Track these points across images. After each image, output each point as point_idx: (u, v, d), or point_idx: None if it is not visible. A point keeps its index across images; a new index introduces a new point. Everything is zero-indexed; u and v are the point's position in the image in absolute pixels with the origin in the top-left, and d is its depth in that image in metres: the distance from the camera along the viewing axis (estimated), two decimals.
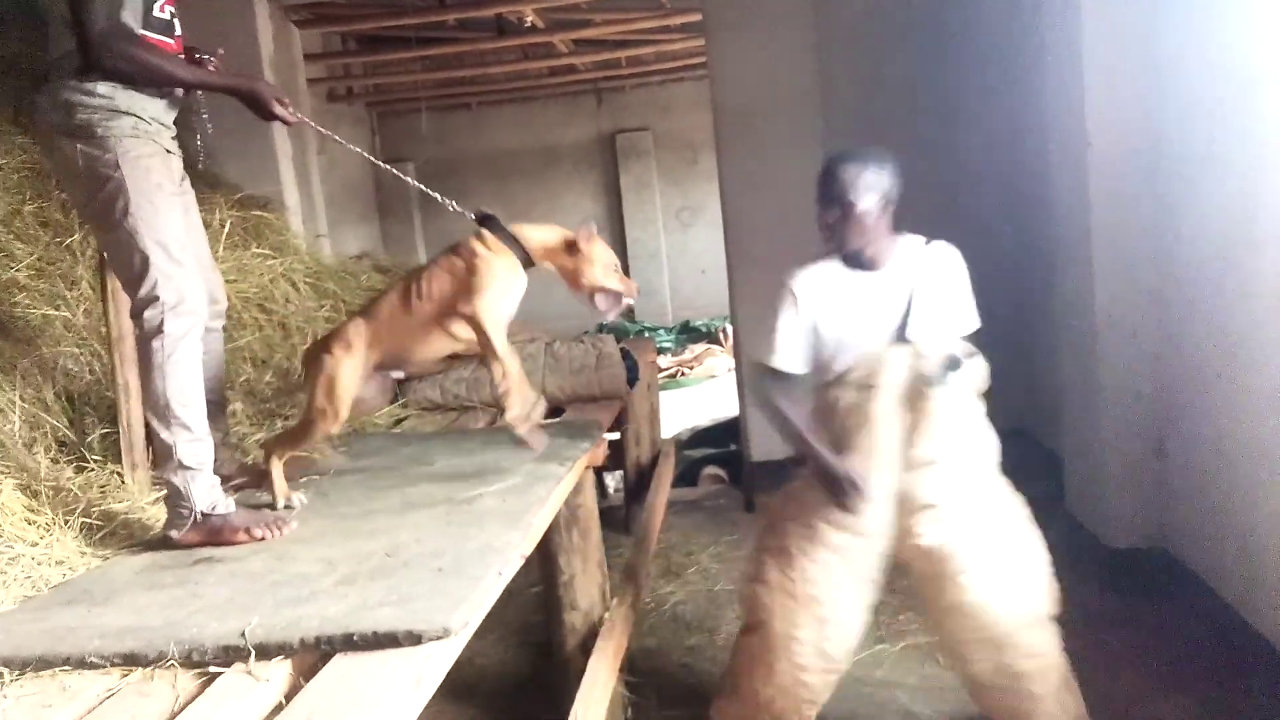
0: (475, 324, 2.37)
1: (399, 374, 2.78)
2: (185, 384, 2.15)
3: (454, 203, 2.56)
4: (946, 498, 2.25)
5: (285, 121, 2.34)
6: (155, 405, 2.15)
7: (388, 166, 2.75)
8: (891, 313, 2.29)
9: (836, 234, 2.31)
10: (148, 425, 2.25)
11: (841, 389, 2.31)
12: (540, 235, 2.48)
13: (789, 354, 2.34)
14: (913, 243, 2.34)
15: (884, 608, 3.41)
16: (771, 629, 2.33)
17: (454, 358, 3.39)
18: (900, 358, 2.25)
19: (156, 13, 2.20)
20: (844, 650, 2.34)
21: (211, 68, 2.34)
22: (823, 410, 2.35)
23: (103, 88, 2.13)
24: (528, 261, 2.46)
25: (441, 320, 2.44)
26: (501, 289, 2.39)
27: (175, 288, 2.15)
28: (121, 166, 2.13)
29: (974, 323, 2.36)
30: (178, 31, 2.29)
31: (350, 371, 2.42)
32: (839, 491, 2.24)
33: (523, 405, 2.41)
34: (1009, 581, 2.25)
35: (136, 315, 2.16)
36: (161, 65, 2.16)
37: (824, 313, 2.32)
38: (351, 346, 2.44)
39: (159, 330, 2.13)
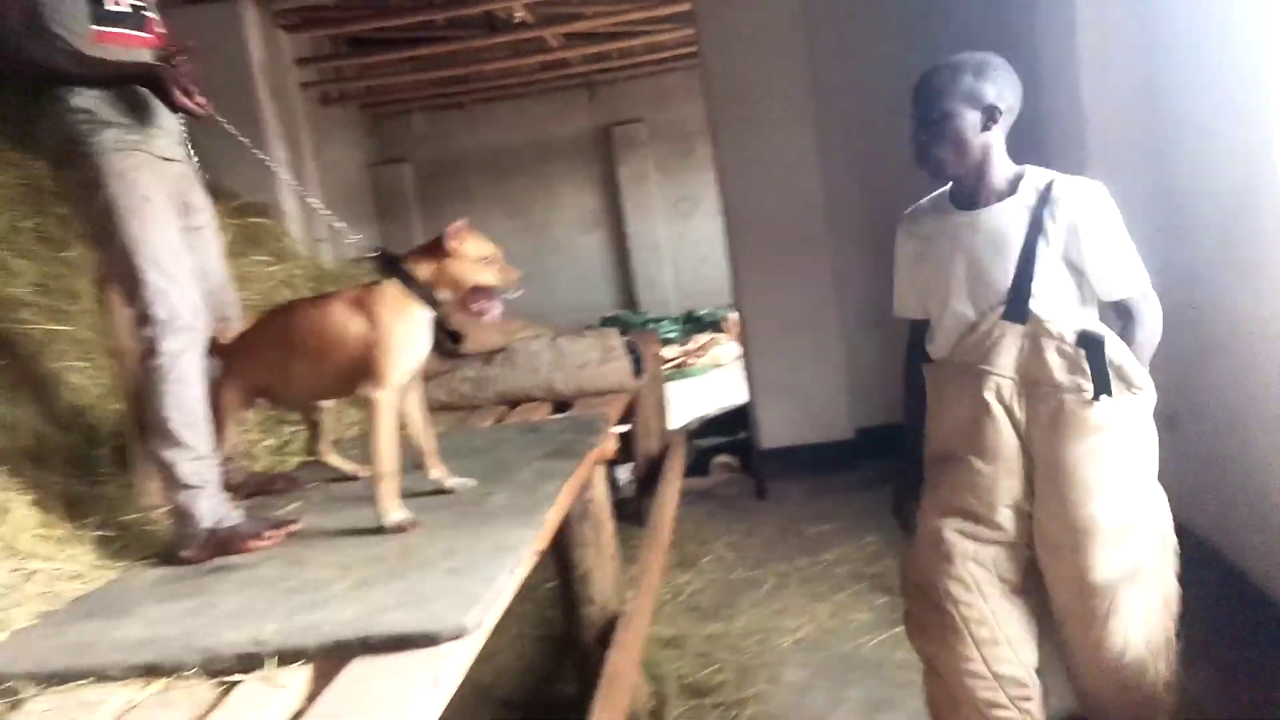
0: (371, 408, 2.15)
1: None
2: (185, 402, 2.12)
3: (341, 224, 2.38)
4: (1104, 524, 1.84)
5: (190, 113, 2.14)
6: (155, 424, 2.12)
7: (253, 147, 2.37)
8: (1003, 270, 1.84)
9: (927, 157, 1.87)
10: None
11: (947, 369, 1.94)
12: (420, 260, 2.22)
13: (902, 301, 2.05)
14: (1039, 177, 1.86)
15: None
16: (941, 669, 1.98)
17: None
18: (1015, 336, 1.83)
19: (110, 5, 2.13)
20: (1024, 668, 1.94)
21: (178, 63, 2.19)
22: (933, 393, 2.00)
23: (80, 100, 2.08)
24: (434, 301, 2.22)
25: (328, 371, 2.24)
26: (407, 361, 2.20)
27: (169, 304, 2.10)
28: (107, 182, 2.08)
29: (1131, 286, 1.83)
30: (155, 24, 2.23)
31: (224, 394, 2.33)
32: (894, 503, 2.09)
33: (390, 507, 2.12)
34: (1153, 625, 1.93)
35: (136, 333, 2.14)
36: (50, 61, 2.05)
37: (921, 262, 1.96)
38: (229, 369, 2.35)
39: (155, 350, 2.10)
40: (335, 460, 2.68)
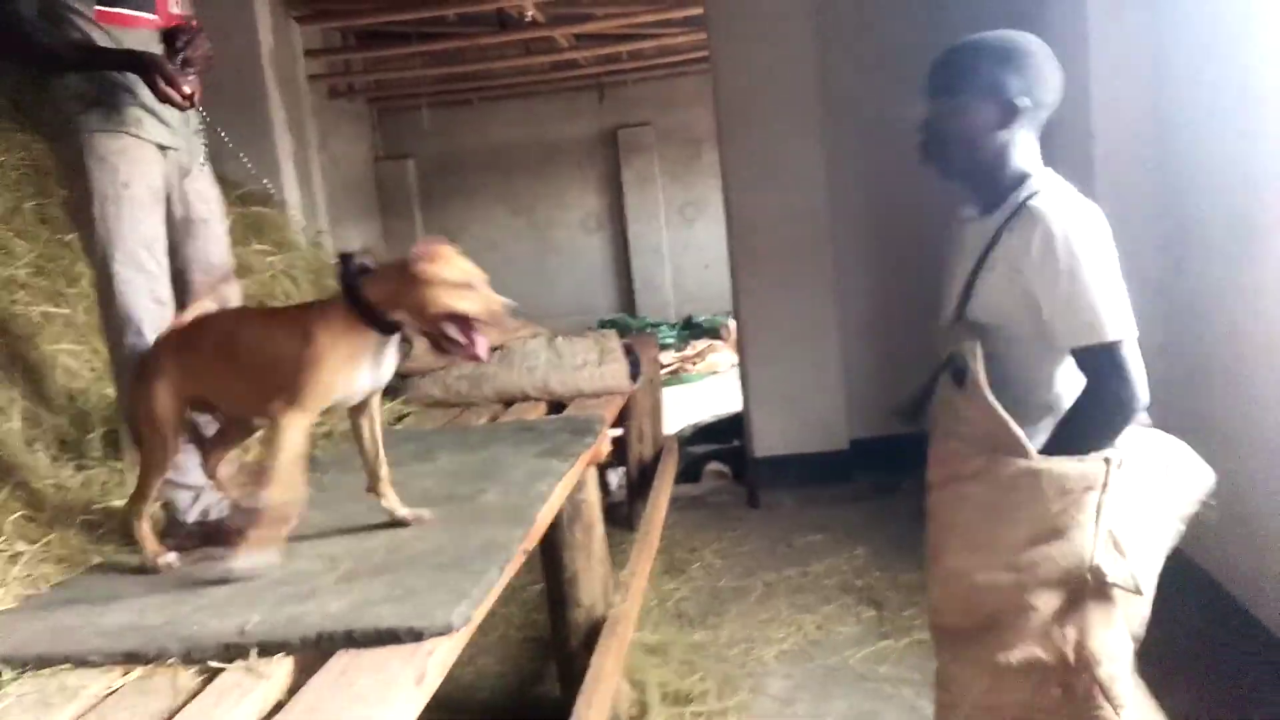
0: (278, 427, 1.87)
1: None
2: None
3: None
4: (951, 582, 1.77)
5: (173, 104, 2.04)
6: (130, 415, 2.10)
7: None
8: (958, 290, 1.68)
9: (930, 152, 1.69)
10: None
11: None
12: (380, 281, 1.89)
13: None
14: (1030, 190, 1.61)
15: (888, 602, 3.41)
16: None
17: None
18: (947, 338, 1.69)
19: None
20: None
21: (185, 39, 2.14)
22: None
23: (78, 80, 2.05)
24: (387, 325, 1.89)
25: (266, 391, 1.91)
26: (334, 387, 1.90)
27: (140, 300, 2.06)
28: (88, 164, 2.04)
29: (1081, 336, 1.56)
30: (170, 4, 2.19)
31: (160, 397, 1.98)
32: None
33: (261, 547, 1.87)
34: None
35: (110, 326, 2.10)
36: (49, 44, 2.01)
37: (943, 269, 1.79)
38: (160, 369, 2.00)
39: (120, 342, 2.07)
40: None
